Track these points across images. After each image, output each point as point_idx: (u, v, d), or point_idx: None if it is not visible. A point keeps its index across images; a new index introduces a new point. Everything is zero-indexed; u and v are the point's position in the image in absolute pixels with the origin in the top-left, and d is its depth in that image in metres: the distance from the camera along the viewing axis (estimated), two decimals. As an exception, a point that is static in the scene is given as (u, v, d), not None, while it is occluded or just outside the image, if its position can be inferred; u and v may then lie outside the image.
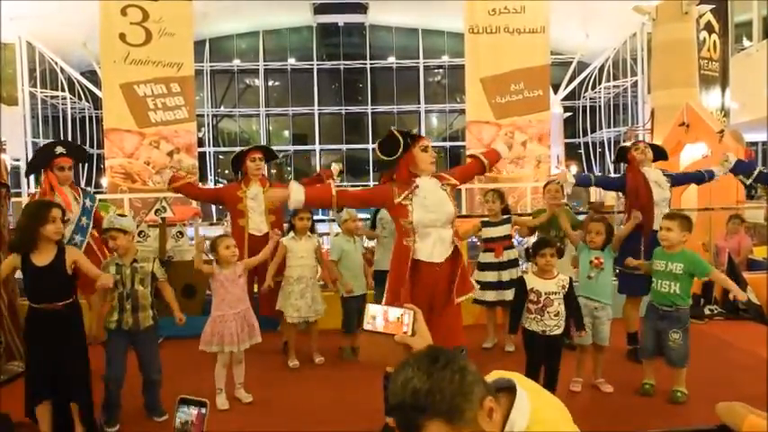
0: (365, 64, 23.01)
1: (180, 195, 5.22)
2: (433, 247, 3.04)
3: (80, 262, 3.17)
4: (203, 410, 2.75)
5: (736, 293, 3.59)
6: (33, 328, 3.09)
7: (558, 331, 3.50)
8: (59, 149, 4.36)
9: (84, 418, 3.17)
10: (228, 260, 3.71)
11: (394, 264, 3.16)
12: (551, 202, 4.74)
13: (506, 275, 4.66)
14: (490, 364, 3.26)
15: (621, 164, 4.84)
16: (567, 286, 3.51)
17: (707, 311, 5.74)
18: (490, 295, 4.68)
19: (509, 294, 4.35)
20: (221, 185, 4.86)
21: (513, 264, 4.73)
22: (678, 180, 4.72)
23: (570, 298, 3.53)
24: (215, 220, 9.13)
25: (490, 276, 4.70)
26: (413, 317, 1.50)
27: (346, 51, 23.22)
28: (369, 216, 5.06)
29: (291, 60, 23.22)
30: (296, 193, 3.05)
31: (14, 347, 4.52)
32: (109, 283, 3.18)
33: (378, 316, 1.52)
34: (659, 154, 4.65)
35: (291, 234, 4.47)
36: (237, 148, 4.84)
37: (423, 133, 23.17)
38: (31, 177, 17.46)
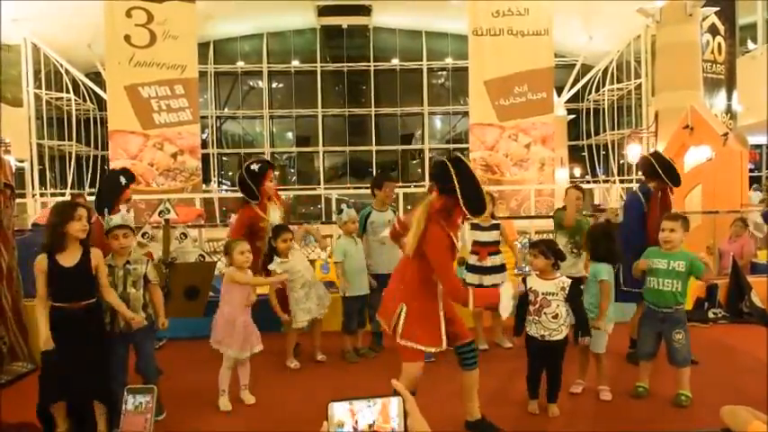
0: (369, 66, 23.03)
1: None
2: None
3: (100, 268, 3.19)
4: (152, 396, 2.99)
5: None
6: (54, 327, 3.08)
7: (559, 336, 3.44)
8: (123, 180, 4.28)
9: (108, 419, 3.16)
10: (242, 265, 3.75)
11: None
12: (572, 208, 4.88)
13: (488, 280, 4.71)
14: (492, 364, 3.26)
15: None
16: (568, 288, 3.46)
17: (711, 315, 5.72)
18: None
19: None
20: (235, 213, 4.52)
21: (497, 269, 4.78)
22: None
23: (572, 302, 3.48)
24: (218, 222, 9.14)
25: (473, 279, 4.78)
26: (401, 405, 1.06)
27: (350, 53, 23.24)
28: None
29: (295, 62, 23.25)
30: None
31: (18, 348, 4.53)
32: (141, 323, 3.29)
33: (346, 419, 1.04)
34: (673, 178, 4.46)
35: (278, 260, 4.35)
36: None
37: (425, 136, 23.24)
38: (36, 178, 17.60)
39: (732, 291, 5.87)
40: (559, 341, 3.46)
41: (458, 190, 2.84)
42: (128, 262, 3.38)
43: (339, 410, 1.05)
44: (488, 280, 4.70)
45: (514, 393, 3.78)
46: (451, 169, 2.88)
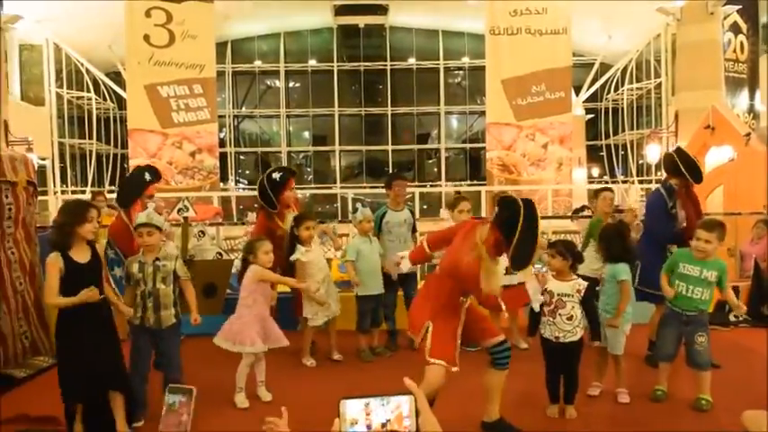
0: (385, 65, 23.01)
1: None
2: None
3: (103, 264, 3.26)
4: (190, 396, 3.00)
5: (735, 308, 3.94)
6: (70, 324, 3.07)
7: (574, 338, 3.41)
8: (148, 176, 4.53)
9: (126, 410, 3.19)
10: (265, 264, 3.82)
11: None
12: (606, 210, 4.94)
13: (514, 279, 4.65)
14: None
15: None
16: (584, 291, 3.43)
17: (732, 318, 5.63)
18: None
19: None
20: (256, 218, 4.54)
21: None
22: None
23: (586, 305, 3.45)
24: (235, 220, 9.21)
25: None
26: (413, 404, 1.06)
27: (366, 53, 23.23)
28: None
29: (312, 62, 23.32)
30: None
31: (40, 343, 4.61)
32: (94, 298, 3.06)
33: (360, 418, 1.04)
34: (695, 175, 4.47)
35: (302, 249, 4.39)
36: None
37: (442, 135, 23.16)
38: (57, 176, 17.88)
39: (754, 293, 5.77)
40: (574, 342, 3.43)
41: (514, 242, 2.83)
42: (157, 258, 3.42)
43: (352, 408, 1.04)
44: (514, 278, 4.66)
45: (530, 394, 3.75)
46: (521, 217, 2.82)
